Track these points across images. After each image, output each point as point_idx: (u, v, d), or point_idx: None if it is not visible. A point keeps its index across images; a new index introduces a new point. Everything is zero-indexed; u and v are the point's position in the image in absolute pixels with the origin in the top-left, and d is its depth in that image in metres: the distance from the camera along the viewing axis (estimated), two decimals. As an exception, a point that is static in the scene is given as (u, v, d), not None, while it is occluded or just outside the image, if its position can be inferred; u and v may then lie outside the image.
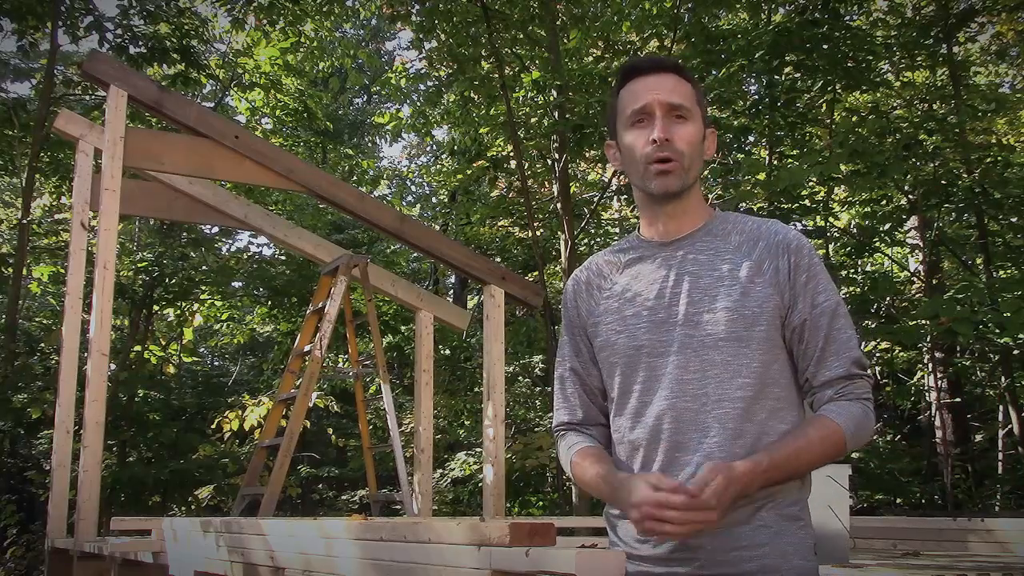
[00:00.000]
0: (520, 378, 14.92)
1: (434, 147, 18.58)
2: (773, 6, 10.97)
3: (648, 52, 11.69)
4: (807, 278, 1.68)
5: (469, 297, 17.05)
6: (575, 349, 1.83)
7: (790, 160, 10.63)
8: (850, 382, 1.67)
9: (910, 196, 10.21)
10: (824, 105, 10.93)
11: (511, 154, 12.45)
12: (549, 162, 12.48)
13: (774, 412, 1.64)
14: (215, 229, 14.08)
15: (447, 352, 14.70)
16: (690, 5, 10.79)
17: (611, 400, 1.76)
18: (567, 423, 1.84)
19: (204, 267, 13.46)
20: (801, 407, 1.71)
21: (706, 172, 10.20)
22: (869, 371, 1.72)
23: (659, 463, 1.64)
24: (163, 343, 15.61)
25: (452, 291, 18.47)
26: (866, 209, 10.51)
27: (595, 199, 13.04)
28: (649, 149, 1.71)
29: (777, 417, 1.64)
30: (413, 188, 19.82)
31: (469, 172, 13.82)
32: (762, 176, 10.24)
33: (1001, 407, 11.71)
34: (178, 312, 14.64)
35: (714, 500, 1.49)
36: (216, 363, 19.87)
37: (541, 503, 13.33)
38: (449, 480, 13.47)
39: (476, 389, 13.66)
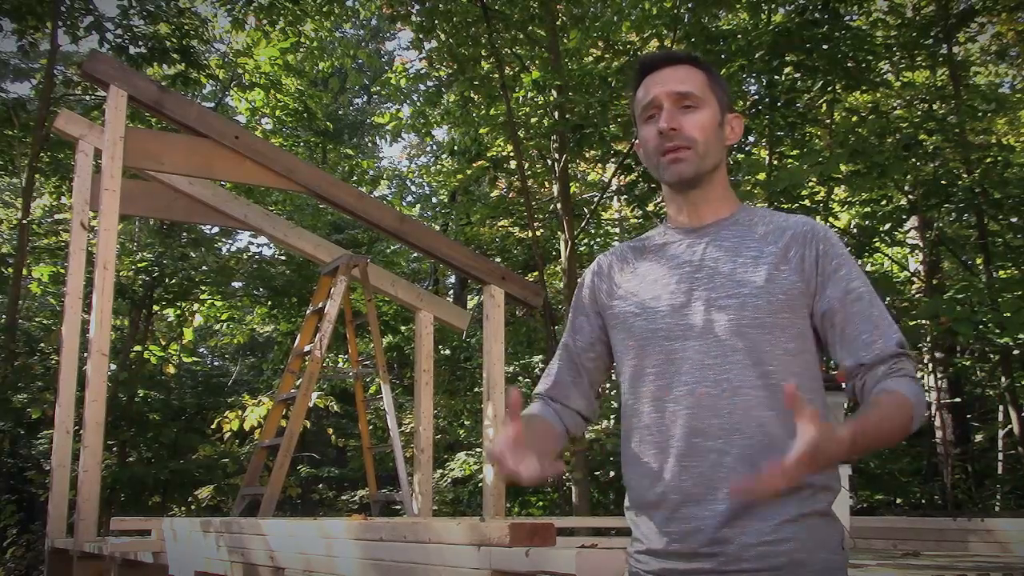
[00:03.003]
0: (520, 378, 14.92)
1: (434, 147, 18.58)
2: (773, 6, 10.96)
3: (649, 51, 11.68)
4: (837, 264, 1.66)
5: (469, 297, 17.04)
6: (574, 328, 1.83)
7: (790, 160, 10.63)
8: (900, 359, 1.63)
9: (910, 196, 10.21)
10: (824, 105, 10.93)
11: (511, 154, 12.45)
12: (549, 162, 12.48)
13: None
14: (215, 229, 14.08)
15: (447, 352, 14.69)
16: (690, 5, 10.79)
17: (622, 382, 1.74)
18: (538, 393, 1.85)
19: (204, 267, 13.46)
20: (823, 397, 1.68)
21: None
22: (910, 352, 1.68)
23: (677, 449, 1.62)
24: (163, 343, 15.61)
25: (452, 291, 18.46)
26: (866, 209, 10.51)
27: (595, 199, 13.04)
28: (657, 141, 1.71)
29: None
30: (413, 188, 19.82)
31: (469, 172, 13.81)
32: (762, 176, 10.25)
33: (1001, 407, 11.72)
34: (178, 312, 14.64)
35: (811, 453, 1.39)
36: (216, 363, 19.86)
37: (541, 503, 13.32)
38: (449, 480, 13.47)
39: (476, 389, 13.65)
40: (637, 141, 1.84)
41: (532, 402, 1.84)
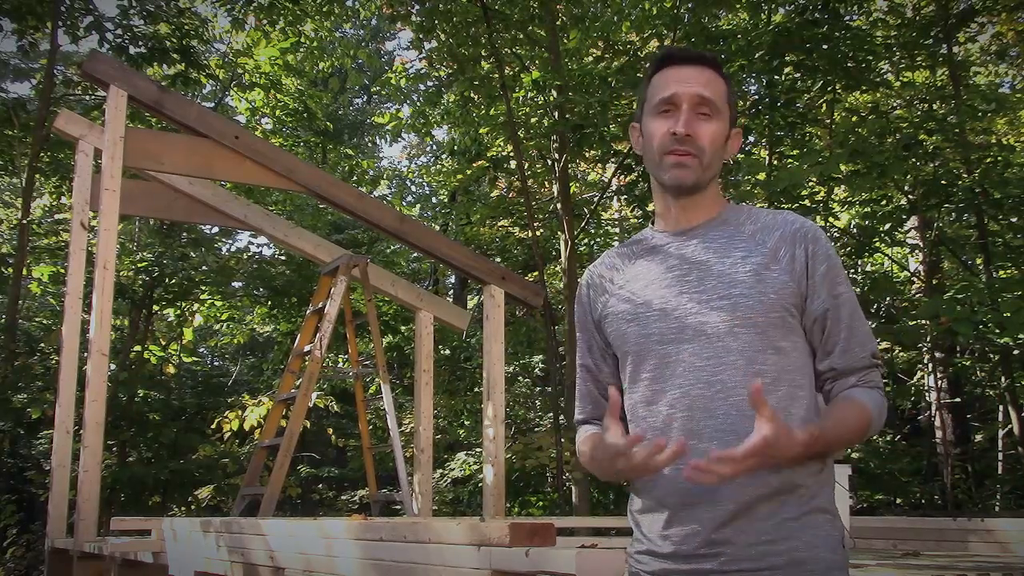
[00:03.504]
0: (520, 378, 14.92)
1: (434, 147, 18.58)
2: (773, 6, 10.96)
3: (649, 52, 11.70)
4: (827, 268, 1.67)
5: (469, 297, 17.04)
6: (587, 346, 1.84)
7: (790, 160, 10.63)
8: (870, 371, 1.68)
9: (910, 196, 10.20)
10: (824, 105, 10.93)
11: (511, 154, 12.45)
12: (549, 162, 12.48)
13: (793, 399, 1.63)
14: (215, 229, 14.08)
15: (447, 352, 14.69)
16: (690, 5, 10.79)
17: (625, 390, 1.75)
18: (581, 421, 1.85)
19: (204, 267, 13.46)
20: (815, 394, 1.70)
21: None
22: (882, 361, 1.73)
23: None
24: (163, 343, 15.61)
25: (452, 291, 18.46)
26: (866, 209, 10.51)
27: (595, 199, 13.04)
28: (667, 140, 1.69)
29: (796, 404, 1.63)
30: (413, 188, 19.82)
31: (469, 172, 13.82)
32: (762, 176, 10.24)
33: (1001, 407, 11.71)
34: (178, 312, 14.63)
35: (762, 446, 1.46)
36: (216, 363, 19.86)
37: (541, 503, 13.32)
38: (449, 480, 13.47)
39: (476, 389, 13.65)
40: (634, 125, 1.82)
41: (579, 427, 1.85)
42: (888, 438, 12.47)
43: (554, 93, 10.93)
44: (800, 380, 1.65)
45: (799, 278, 1.66)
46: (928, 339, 10.28)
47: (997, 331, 7.95)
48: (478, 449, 12.51)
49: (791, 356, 1.65)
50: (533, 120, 11.87)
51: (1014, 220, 9.66)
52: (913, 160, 9.15)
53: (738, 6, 10.84)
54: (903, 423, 13.29)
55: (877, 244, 10.77)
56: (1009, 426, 10.95)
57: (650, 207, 12.22)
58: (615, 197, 14.44)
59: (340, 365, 14.10)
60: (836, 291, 1.67)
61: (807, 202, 10.09)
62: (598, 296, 1.81)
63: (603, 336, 1.80)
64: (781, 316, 1.64)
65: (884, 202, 10.27)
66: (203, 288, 13.77)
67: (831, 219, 10.48)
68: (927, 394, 12.36)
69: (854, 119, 10.58)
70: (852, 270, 11.78)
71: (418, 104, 13.45)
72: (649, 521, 1.68)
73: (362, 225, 11.22)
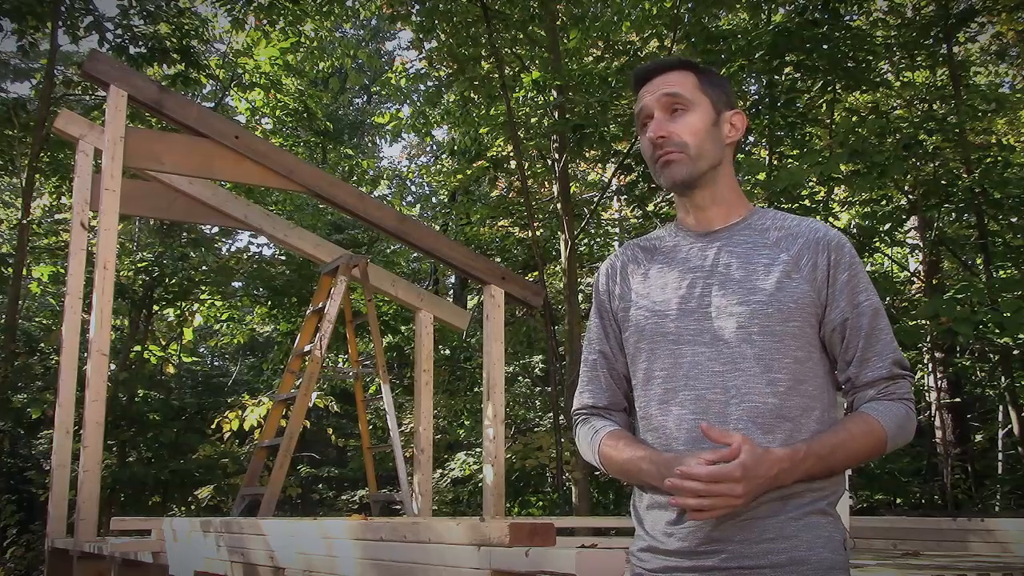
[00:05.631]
0: (520, 378, 14.92)
1: (434, 147, 18.59)
2: (773, 6, 10.96)
3: (649, 52, 11.70)
4: (848, 276, 1.68)
5: (469, 297, 17.04)
6: (604, 333, 1.83)
7: (790, 160, 10.63)
8: (892, 382, 1.67)
9: (910, 196, 10.20)
10: (824, 105, 10.93)
11: (511, 154, 12.45)
12: (549, 162, 12.48)
13: (806, 409, 1.63)
14: (215, 229, 14.08)
15: (447, 352, 14.70)
16: (690, 5, 10.79)
17: (635, 386, 1.75)
18: (591, 406, 1.82)
19: (204, 267, 13.46)
20: (833, 406, 1.69)
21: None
22: (909, 372, 1.71)
23: (681, 452, 1.62)
24: (163, 343, 15.61)
25: (452, 291, 18.46)
26: (866, 209, 10.51)
27: (595, 199, 13.04)
28: (651, 149, 1.73)
29: (808, 415, 1.63)
30: (413, 188, 19.82)
31: (469, 172, 13.82)
32: (762, 176, 10.24)
33: (1001, 407, 11.72)
34: (178, 312, 14.64)
35: (739, 472, 1.47)
36: (216, 363, 19.86)
37: (541, 503, 13.33)
38: (449, 480, 13.47)
39: (476, 389, 13.65)
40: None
41: (588, 418, 1.83)
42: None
43: (554, 93, 10.92)
44: (813, 392, 1.65)
45: (820, 287, 1.67)
46: (928, 339, 10.28)
47: (997, 331, 7.95)
48: (478, 449, 12.51)
49: (806, 366, 1.65)
50: (533, 120, 11.86)
51: (1014, 220, 9.66)
52: (913, 160, 9.14)
53: (738, 6, 10.84)
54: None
55: (877, 244, 10.76)
56: (1009, 426, 10.95)
57: (650, 207, 12.23)
58: (615, 197, 14.44)
59: (340, 365, 14.10)
60: (856, 300, 1.67)
61: (807, 202, 10.09)
62: (616, 287, 1.82)
63: (619, 327, 1.81)
64: (799, 325, 1.65)
65: (884, 202, 10.27)
66: (203, 288, 13.78)
67: (831, 219, 10.47)
68: (927, 394, 12.36)
69: (854, 119, 10.57)
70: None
71: (418, 104, 13.45)
72: (654, 517, 1.68)
73: (362, 225, 11.22)
